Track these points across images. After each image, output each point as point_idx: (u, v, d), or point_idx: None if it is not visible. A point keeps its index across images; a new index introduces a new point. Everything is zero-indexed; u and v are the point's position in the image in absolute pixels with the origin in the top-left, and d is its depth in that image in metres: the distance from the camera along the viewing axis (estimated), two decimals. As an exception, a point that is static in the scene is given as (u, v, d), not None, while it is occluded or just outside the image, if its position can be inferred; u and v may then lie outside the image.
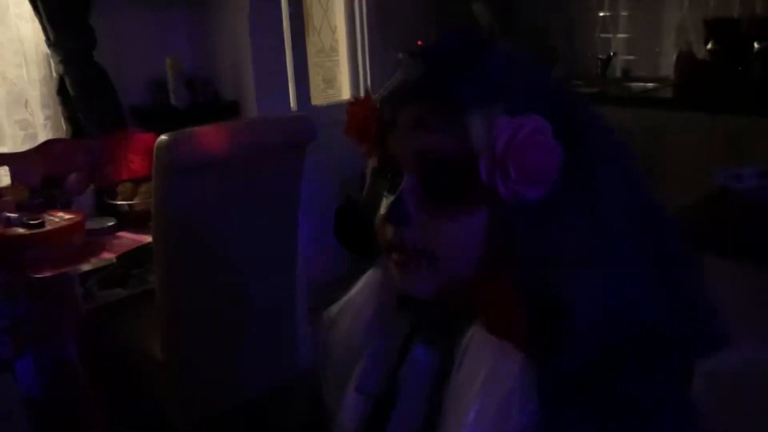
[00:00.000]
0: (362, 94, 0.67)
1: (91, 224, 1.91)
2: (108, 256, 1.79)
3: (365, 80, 3.20)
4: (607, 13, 3.39)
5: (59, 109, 2.37)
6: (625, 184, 0.58)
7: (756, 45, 2.74)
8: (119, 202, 2.03)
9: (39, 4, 2.21)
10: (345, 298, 0.73)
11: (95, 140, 2.26)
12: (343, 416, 0.68)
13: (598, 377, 0.53)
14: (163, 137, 1.51)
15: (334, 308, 0.72)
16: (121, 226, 1.95)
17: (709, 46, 2.91)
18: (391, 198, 0.60)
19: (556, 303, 0.53)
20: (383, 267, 0.68)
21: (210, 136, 1.57)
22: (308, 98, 2.99)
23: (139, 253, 1.85)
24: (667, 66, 3.13)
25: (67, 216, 1.84)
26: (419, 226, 0.58)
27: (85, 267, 1.76)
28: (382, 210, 0.62)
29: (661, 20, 3.23)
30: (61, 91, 2.33)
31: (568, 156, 0.54)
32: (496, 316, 0.55)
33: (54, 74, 2.35)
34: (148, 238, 1.78)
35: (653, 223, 0.59)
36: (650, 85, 3.12)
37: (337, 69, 3.25)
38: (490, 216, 0.57)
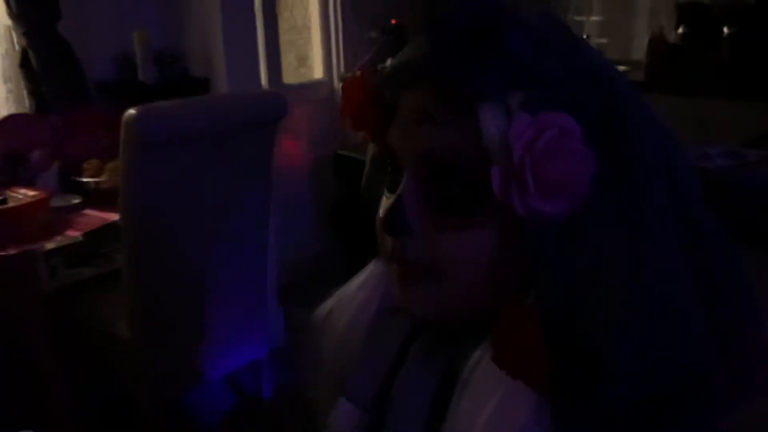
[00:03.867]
0: (344, 72, 0.58)
1: (56, 202, 1.88)
2: (73, 234, 1.76)
3: (338, 59, 3.16)
4: (581, -4, 3.40)
5: (22, 83, 2.30)
6: (672, 197, 0.47)
7: (725, 30, 2.77)
8: (85, 180, 2.00)
9: (0, -27, 2.14)
10: (340, 294, 0.64)
11: (59, 115, 2.21)
12: (334, 425, 0.59)
13: (627, 428, 0.44)
14: (130, 111, 1.47)
15: (326, 305, 0.64)
16: (87, 204, 1.92)
17: (680, 30, 2.94)
18: (391, 200, 0.51)
19: (585, 342, 0.44)
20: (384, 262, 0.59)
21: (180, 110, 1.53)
22: (280, 76, 2.94)
23: (106, 231, 1.82)
24: (640, 49, 3.16)
25: (31, 193, 1.80)
26: (422, 237, 0.49)
27: (50, 245, 1.72)
28: (381, 212, 0.53)
29: (634, 4, 3.25)
30: (24, 64, 2.26)
31: (602, 162, 0.43)
32: (511, 350, 0.45)
33: (16, 47, 2.28)
34: (115, 216, 1.75)
35: (705, 246, 0.48)
36: (622, 68, 3.14)
37: (309, 47, 3.20)
38: (505, 230, 0.47)
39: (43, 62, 2.23)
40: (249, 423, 2.06)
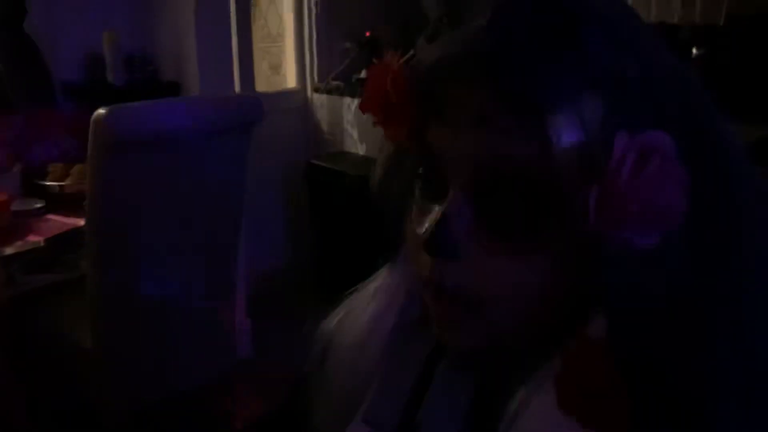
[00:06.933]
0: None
1: (17, 205, 1.81)
2: (35, 239, 1.69)
3: (312, 69, 3.13)
4: (554, 14, 3.45)
5: (-16, 82, 2.23)
6: (762, 213, 0.42)
7: (695, 50, 2.83)
8: (49, 183, 1.92)
9: (-37, -32, 2.07)
10: (349, 305, 0.58)
11: (23, 116, 2.13)
12: None
13: None
14: (100, 111, 1.42)
15: (334, 319, 0.58)
16: (50, 209, 1.84)
17: (651, 50, 3.00)
18: (430, 214, 0.44)
19: (681, 384, 0.38)
20: (403, 266, 0.53)
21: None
22: (252, 84, 2.91)
23: (70, 236, 1.75)
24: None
25: (-10, 196, 1.72)
26: (470, 261, 0.42)
27: (9, 250, 1.65)
28: (414, 223, 0.47)
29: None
30: (-13, 63, 2.19)
31: (693, 180, 0.38)
32: (582, 393, 0.39)
33: (-21, 44, 2.21)
34: (80, 222, 1.69)
35: None
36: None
37: (283, 56, 3.18)
38: (566, 254, 0.41)
39: (7, 60, 2.17)
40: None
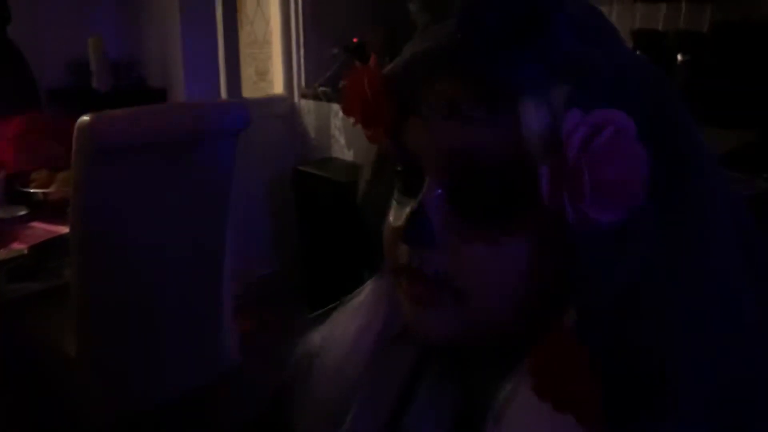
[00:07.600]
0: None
1: (1, 213, 1.80)
2: (18, 247, 1.68)
3: (299, 75, 3.13)
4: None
5: (-33, 88, 2.21)
6: (725, 204, 0.43)
7: (679, 57, 2.85)
8: (33, 190, 1.91)
9: (-54, -27, 2.06)
10: (334, 319, 0.57)
11: (6, 122, 2.11)
12: None
13: None
14: (84, 117, 1.41)
15: (317, 334, 0.57)
16: (34, 216, 1.83)
17: (636, 56, 3.02)
18: (408, 207, 0.45)
19: (648, 366, 0.39)
20: (388, 278, 0.52)
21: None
22: (239, 90, 2.91)
23: (54, 244, 1.74)
24: (596, 74, 3.22)
25: (-28, 203, 1.71)
26: (445, 249, 0.43)
27: (-8, 258, 1.63)
28: (392, 218, 0.47)
29: (591, 30, 3.33)
30: (-30, 68, 2.17)
31: (655, 164, 0.39)
32: (555, 378, 0.39)
33: (-38, 50, 2.19)
34: (64, 229, 1.67)
35: (759, 269, 0.43)
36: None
37: (270, 62, 3.17)
38: (539, 241, 0.42)
39: (-10, 67, 2.15)
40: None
